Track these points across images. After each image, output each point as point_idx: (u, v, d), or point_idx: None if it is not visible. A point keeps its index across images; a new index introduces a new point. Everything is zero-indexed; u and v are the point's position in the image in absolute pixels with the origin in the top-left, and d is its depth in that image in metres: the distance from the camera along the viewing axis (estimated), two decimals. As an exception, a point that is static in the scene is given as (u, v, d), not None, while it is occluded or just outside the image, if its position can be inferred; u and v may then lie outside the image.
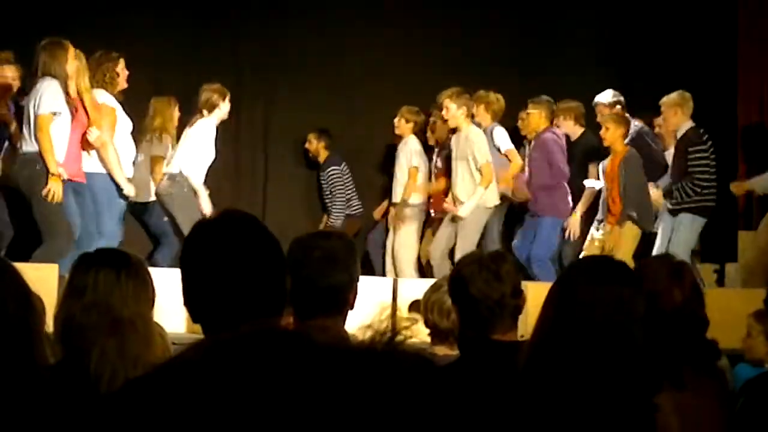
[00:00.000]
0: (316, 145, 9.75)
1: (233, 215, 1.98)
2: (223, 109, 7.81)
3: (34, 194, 6.83)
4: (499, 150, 8.55)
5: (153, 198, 7.95)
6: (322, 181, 9.76)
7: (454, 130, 8.32)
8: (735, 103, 9.36)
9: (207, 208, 7.60)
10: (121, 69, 7.42)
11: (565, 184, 8.32)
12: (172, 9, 9.72)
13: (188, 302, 1.92)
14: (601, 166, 8.25)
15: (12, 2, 8.94)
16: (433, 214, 8.91)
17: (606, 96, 8.60)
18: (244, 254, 1.89)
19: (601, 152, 8.45)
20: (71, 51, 6.87)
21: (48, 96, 6.73)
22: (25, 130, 6.85)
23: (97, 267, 2.74)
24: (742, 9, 9.74)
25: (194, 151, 7.66)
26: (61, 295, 2.78)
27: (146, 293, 2.76)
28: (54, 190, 6.78)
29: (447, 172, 8.53)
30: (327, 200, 9.71)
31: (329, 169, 9.63)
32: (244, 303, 1.86)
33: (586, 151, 8.57)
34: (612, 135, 7.99)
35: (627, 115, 8.33)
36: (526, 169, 8.46)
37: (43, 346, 2.33)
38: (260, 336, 1.75)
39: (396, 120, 9.05)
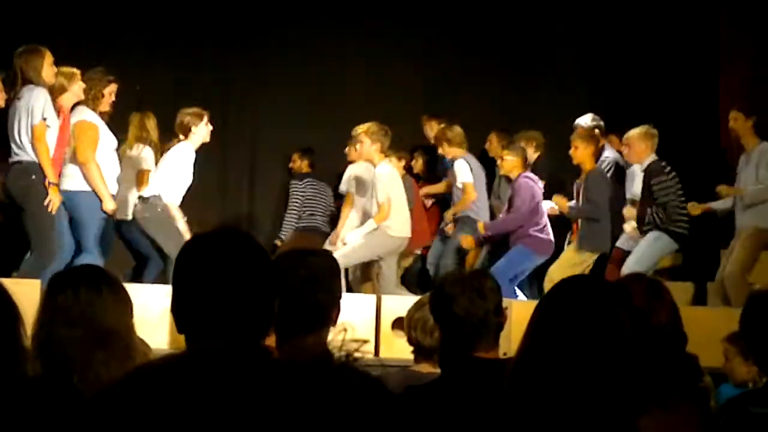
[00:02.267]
0: (299, 164, 9.80)
1: (231, 230, 1.99)
2: (200, 132, 7.74)
3: (28, 204, 6.79)
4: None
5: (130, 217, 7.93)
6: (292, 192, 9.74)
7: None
8: (718, 128, 9.43)
9: (181, 226, 7.59)
10: (109, 92, 7.41)
11: (543, 220, 8.32)
12: (159, 33, 9.76)
13: (176, 311, 1.93)
14: (575, 185, 8.35)
15: (2, 26, 8.94)
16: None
17: (585, 119, 8.75)
18: (238, 270, 1.89)
19: (551, 174, 8.74)
20: (48, 57, 6.84)
21: (39, 105, 6.71)
22: (17, 140, 6.79)
23: (75, 283, 2.74)
24: (723, 34, 9.83)
25: (169, 175, 7.63)
26: (39, 312, 2.76)
27: (126, 307, 2.77)
28: (54, 200, 6.76)
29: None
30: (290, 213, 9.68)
31: (291, 182, 9.69)
32: (231, 319, 1.86)
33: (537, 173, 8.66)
34: (581, 153, 8.13)
35: (597, 134, 8.42)
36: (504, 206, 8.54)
37: (27, 360, 2.33)
38: (226, 351, 1.78)
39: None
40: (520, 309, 5.34)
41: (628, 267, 7.57)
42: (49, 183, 6.75)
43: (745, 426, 2.76)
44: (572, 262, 8.11)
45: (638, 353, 2.14)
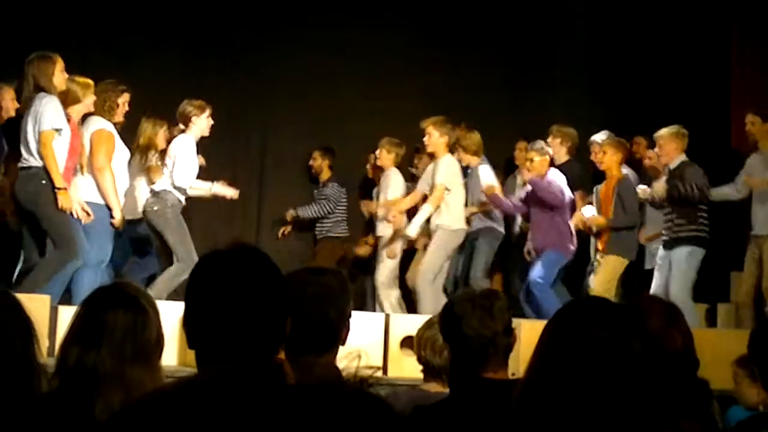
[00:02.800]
0: (320, 162, 9.82)
1: (245, 248, 1.99)
2: (201, 123, 7.80)
3: (38, 207, 6.81)
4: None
5: (139, 216, 7.95)
6: (319, 197, 9.75)
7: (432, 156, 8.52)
8: (729, 130, 9.42)
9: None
10: (123, 102, 7.46)
11: (565, 221, 8.34)
12: (168, 39, 9.78)
13: (188, 327, 1.93)
14: (594, 190, 8.33)
15: (9, 31, 8.98)
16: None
17: (601, 136, 8.70)
18: (251, 288, 1.90)
19: (583, 180, 8.69)
20: (59, 64, 6.87)
21: (49, 112, 6.73)
22: (26, 146, 6.81)
23: (115, 310, 2.68)
24: (734, 38, 9.83)
25: (175, 167, 7.67)
26: (72, 331, 2.71)
27: (158, 345, 2.73)
28: (64, 204, 6.78)
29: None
30: (321, 218, 9.70)
31: (330, 185, 9.70)
32: (243, 337, 1.86)
33: (568, 179, 8.68)
34: (609, 159, 8.10)
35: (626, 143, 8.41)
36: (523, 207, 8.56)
37: (41, 377, 2.33)
38: (240, 376, 1.78)
39: (377, 152, 9.16)
40: (529, 329, 5.33)
41: (677, 292, 7.53)
42: (58, 188, 6.76)
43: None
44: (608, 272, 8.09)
45: (649, 376, 2.13)
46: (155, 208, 7.66)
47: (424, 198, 8.55)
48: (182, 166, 7.68)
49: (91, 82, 7.25)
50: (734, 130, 9.33)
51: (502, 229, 8.84)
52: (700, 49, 10.02)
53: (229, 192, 8.10)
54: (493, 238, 8.76)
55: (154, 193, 7.72)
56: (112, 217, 7.25)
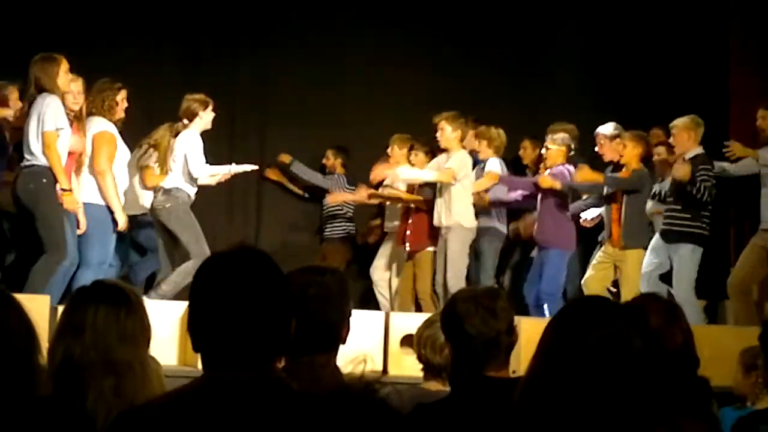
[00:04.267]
0: (333, 161, 9.80)
1: (248, 250, 1.99)
2: (205, 118, 7.77)
3: (38, 206, 6.79)
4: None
5: (140, 211, 7.94)
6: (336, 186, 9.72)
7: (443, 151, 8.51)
8: (727, 131, 9.42)
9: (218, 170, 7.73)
10: (121, 99, 7.44)
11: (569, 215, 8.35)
12: (166, 38, 9.77)
13: (192, 330, 1.93)
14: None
15: (8, 31, 8.98)
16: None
17: (608, 128, 8.70)
18: (255, 291, 1.90)
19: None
20: (63, 65, 6.87)
21: (51, 112, 6.72)
22: (29, 147, 6.79)
23: (96, 303, 2.72)
24: (733, 36, 9.83)
25: (189, 160, 7.63)
26: (57, 330, 2.75)
27: (144, 331, 2.76)
28: (69, 206, 6.78)
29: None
30: (332, 216, 9.65)
31: (336, 176, 9.68)
32: (248, 340, 1.86)
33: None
34: (629, 153, 8.09)
35: (647, 137, 8.37)
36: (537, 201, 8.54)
37: (42, 380, 2.33)
38: (245, 383, 1.78)
39: (389, 149, 9.13)
40: (530, 327, 5.33)
41: (682, 291, 7.54)
42: (63, 190, 6.76)
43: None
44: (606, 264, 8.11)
45: (649, 374, 2.13)
46: (167, 206, 7.61)
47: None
48: (196, 158, 7.62)
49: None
50: (732, 127, 9.32)
51: (504, 229, 8.76)
52: (698, 46, 10.00)
53: (249, 167, 8.03)
54: (495, 238, 8.69)
55: (165, 191, 7.66)
56: (115, 221, 7.24)
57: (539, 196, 8.39)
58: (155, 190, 7.79)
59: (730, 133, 9.31)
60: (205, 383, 1.84)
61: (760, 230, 7.90)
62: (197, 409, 1.74)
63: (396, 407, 1.60)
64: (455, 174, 8.25)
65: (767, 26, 9.51)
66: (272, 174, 10.00)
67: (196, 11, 9.90)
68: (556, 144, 8.33)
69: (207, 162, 7.72)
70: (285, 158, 9.79)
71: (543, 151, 8.51)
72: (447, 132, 8.31)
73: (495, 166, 8.69)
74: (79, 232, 6.99)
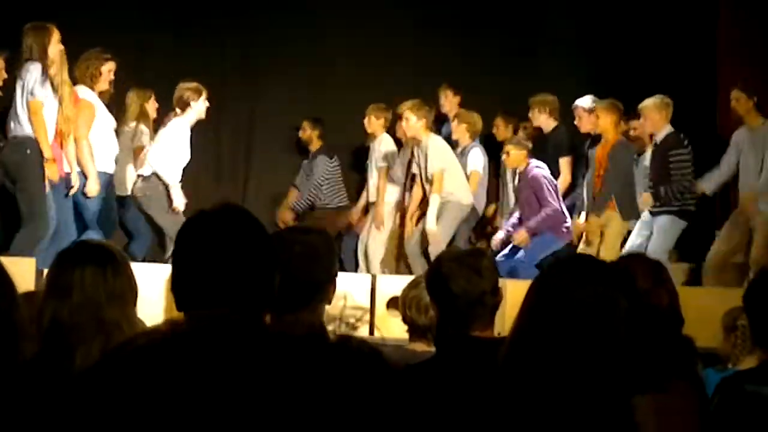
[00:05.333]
0: (309, 133, 9.65)
1: (230, 207, 1.99)
2: (198, 107, 7.69)
3: (21, 178, 6.80)
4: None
5: (129, 192, 7.92)
6: (308, 171, 9.63)
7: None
8: (714, 110, 9.42)
9: (181, 205, 7.55)
10: (107, 70, 7.39)
11: (560, 211, 8.27)
12: (155, 7, 9.69)
13: (175, 288, 1.92)
14: (590, 152, 8.32)
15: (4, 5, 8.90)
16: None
17: (585, 101, 8.70)
18: (238, 246, 1.90)
19: (572, 146, 8.73)
20: (55, 35, 6.82)
21: (36, 81, 6.69)
22: (15, 115, 6.78)
23: (82, 264, 2.70)
24: (721, 26, 9.79)
25: (166, 151, 7.57)
26: (44, 292, 2.74)
27: (131, 290, 2.75)
28: (51, 176, 6.77)
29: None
30: (313, 190, 9.51)
31: (320, 157, 9.53)
32: (231, 295, 1.86)
33: (557, 145, 8.74)
34: (604, 122, 8.07)
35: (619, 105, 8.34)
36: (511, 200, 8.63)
37: (25, 343, 2.33)
38: (223, 322, 1.78)
39: (365, 120, 9.11)
40: (514, 289, 5.34)
41: (654, 252, 7.52)
42: (46, 159, 6.74)
43: (740, 404, 2.76)
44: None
45: (635, 334, 2.14)
46: (147, 194, 7.60)
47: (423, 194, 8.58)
48: (167, 148, 7.54)
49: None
50: (720, 109, 9.31)
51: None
52: (686, 35, 9.92)
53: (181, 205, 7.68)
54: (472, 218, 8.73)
55: (143, 178, 7.64)
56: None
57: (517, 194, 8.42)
58: (137, 176, 7.75)
59: (718, 122, 9.31)
60: (181, 323, 1.83)
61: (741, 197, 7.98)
62: (172, 348, 1.73)
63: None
64: (442, 172, 8.24)
65: (755, 16, 9.46)
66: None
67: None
68: (515, 147, 8.31)
69: (192, 137, 7.67)
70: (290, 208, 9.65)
71: (504, 156, 8.42)
72: (412, 121, 8.24)
73: (478, 159, 8.70)
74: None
